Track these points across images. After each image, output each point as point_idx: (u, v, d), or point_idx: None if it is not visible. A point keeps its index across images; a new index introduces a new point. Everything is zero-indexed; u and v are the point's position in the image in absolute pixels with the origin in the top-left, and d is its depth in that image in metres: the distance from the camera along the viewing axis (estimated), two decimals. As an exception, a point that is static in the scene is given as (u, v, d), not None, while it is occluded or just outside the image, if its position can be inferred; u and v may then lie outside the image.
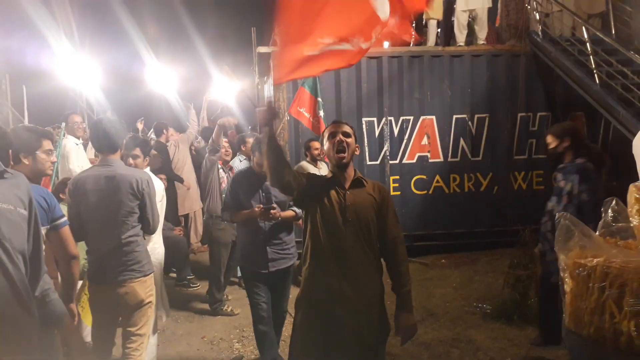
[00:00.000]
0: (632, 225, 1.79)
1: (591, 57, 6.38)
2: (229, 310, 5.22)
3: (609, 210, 1.92)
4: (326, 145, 2.54)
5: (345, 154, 2.48)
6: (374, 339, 2.45)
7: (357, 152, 2.61)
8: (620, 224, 1.93)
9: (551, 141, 3.92)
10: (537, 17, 7.28)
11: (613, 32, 7.25)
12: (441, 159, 7.24)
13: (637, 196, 1.72)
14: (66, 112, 5.93)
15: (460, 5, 7.67)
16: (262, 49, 7.16)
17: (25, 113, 9.64)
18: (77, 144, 5.59)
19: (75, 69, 7.14)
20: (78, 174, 3.22)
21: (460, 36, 7.69)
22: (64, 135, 5.41)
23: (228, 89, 9.87)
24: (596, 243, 1.74)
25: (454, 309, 5.16)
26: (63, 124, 5.48)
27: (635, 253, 1.68)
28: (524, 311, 4.65)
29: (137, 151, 3.57)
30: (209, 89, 8.96)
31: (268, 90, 7.77)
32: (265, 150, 2.35)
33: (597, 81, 6.29)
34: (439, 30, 7.92)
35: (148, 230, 3.19)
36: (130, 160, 3.53)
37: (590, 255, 1.72)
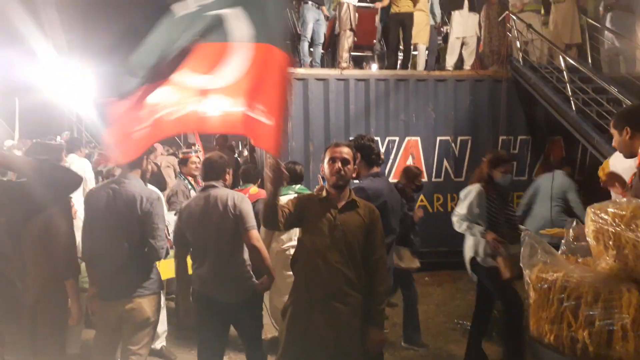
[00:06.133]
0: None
1: (568, 84, 6.68)
2: None
3: (570, 230, 2.13)
4: (326, 167, 2.70)
5: (342, 182, 2.66)
6: (355, 347, 2.58)
7: (355, 175, 2.77)
8: (581, 243, 2.14)
9: None
10: (518, 44, 7.61)
11: (590, 61, 7.60)
12: (425, 179, 7.46)
13: (593, 218, 1.92)
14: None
15: (456, 33, 8.10)
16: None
17: (17, 126, 9.62)
18: None
19: (64, 81, 7.21)
20: (92, 188, 3.15)
21: (450, 60, 8.03)
22: None
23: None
24: (557, 259, 1.94)
25: (435, 326, 5.30)
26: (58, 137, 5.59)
27: (591, 269, 1.88)
28: (501, 328, 4.81)
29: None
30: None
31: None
32: (267, 208, 2.52)
33: (574, 108, 6.58)
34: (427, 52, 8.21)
35: (151, 255, 2.92)
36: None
37: (551, 270, 1.91)
